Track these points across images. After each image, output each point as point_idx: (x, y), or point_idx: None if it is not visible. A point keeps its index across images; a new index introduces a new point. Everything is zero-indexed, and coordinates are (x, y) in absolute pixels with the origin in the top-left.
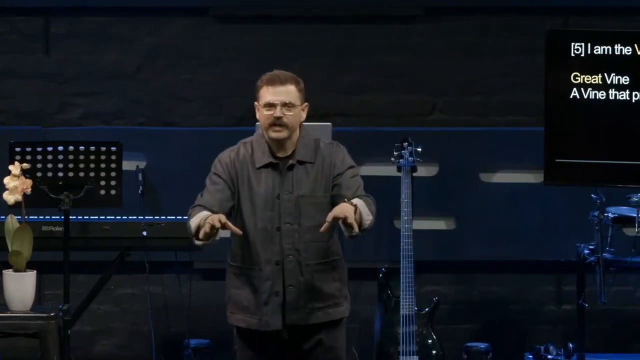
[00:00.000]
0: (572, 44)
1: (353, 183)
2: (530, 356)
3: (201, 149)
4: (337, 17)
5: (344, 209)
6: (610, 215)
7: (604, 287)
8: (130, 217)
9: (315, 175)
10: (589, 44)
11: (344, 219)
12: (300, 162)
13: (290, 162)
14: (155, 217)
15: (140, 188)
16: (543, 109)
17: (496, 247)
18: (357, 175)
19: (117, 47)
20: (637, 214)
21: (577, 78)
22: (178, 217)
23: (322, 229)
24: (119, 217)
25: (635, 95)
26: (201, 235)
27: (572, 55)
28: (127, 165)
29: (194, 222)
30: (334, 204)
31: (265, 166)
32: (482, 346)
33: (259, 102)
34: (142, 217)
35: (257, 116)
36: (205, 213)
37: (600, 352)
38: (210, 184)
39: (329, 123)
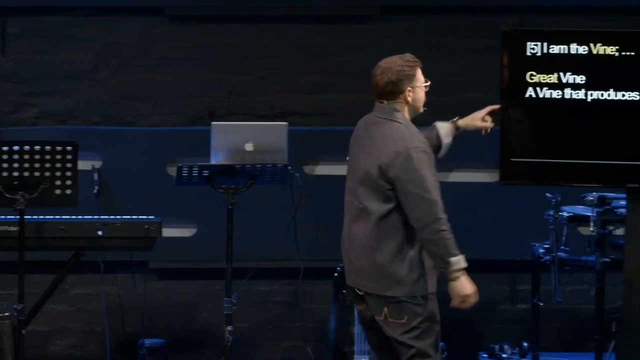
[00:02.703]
0: (528, 43)
1: None
2: (485, 355)
3: (156, 148)
4: (294, 17)
5: None
6: (565, 214)
7: (559, 286)
8: (85, 217)
9: None
10: (545, 44)
11: None
12: None
13: None
14: (111, 217)
15: (96, 188)
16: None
17: None
18: None
19: (72, 47)
20: (592, 213)
21: (532, 77)
22: (133, 217)
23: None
24: (74, 217)
25: (591, 95)
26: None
27: (528, 54)
28: (83, 164)
29: (462, 260)
30: None
31: None
32: None
33: (417, 83)
34: (97, 217)
35: (411, 98)
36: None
37: (555, 350)
38: (433, 177)
39: (285, 123)
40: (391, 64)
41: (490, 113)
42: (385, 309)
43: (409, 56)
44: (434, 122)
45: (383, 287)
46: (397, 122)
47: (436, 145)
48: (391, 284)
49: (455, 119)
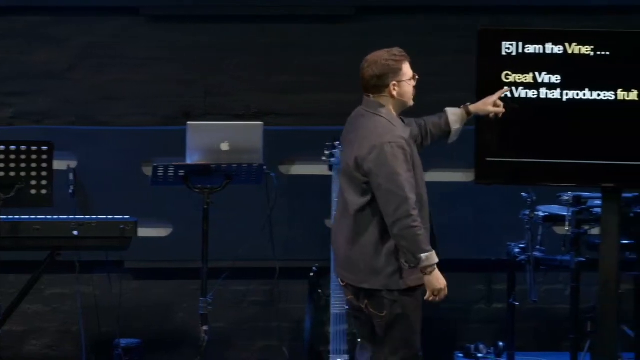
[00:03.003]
0: (503, 42)
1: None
2: (461, 355)
3: (132, 148)
4: (269, 16)
5: None
6: (540, 214)
7: (535, 286)
8: (61, 217)
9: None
10: (520, 43)
11: None
12: None
13: None
14: (86, 217)
15: (71, 188)
16: None
17: None
18: None
19: (49, 47)
20: (568, 213)
21: (508, 77)
22: (109, 217)
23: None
24: (50, 217)
25: (566, 94)
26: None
27: (504, 54)
28: (58, 164)
29: (433, 257)
30: None
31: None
32: None
33: (403, 77)
34: (73, 217)
35: (396, 92)
36: (436, 257)
37: (531, 350)
38: (406, 173)
39: (261, 122)
40: (377, 57)
41: (502, 98)
42: (366, 301)
43: (396, 50)
44: (445, 107)
45: (360, 279)
46: (381, 116)
47: (445, 132)
48: (368, 277)
49: (466, 104)
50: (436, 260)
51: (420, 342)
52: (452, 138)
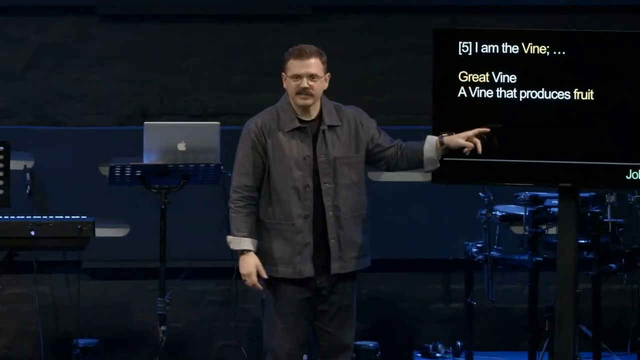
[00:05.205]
0: (460, 42)
1: (386, 138)
2: (419, 354)
3: (89, 148)
4: (226, 15)
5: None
6: (498, 213)
7: (492, 286)
8: (18, 217)
9: (346, 138)
10: (476, 43)
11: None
12: (330, 127)
13: (321, 127)
14: (44, 217)
15: (28, 188)
16: (431, 108)
17: (384, 245)
18: (382, 132)
19: (4, 46)
20: (525, 213)
21: (464, 77)
22: (66, 217)
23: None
24: (7, 217)
25: (522, 94)
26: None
27: (460, 54)
28: (15, 164)
29: (238, 243)
30: (375, 159)
31: (293, 130)
32: (371, 345)
33: (287, 73)
34: (30, 217)
35: (285, 85)
36: (246, 244)
37: (489, 350)
38: (243, 157)
39: (217, 122)
40: None
41: (480, 135)
42: None
43: (302, 46)
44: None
45: None
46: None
47: (419, 159)
48: None
49: (442, 135)
50: (241, 247)
51: (280, 344)
52: (427, 167)
